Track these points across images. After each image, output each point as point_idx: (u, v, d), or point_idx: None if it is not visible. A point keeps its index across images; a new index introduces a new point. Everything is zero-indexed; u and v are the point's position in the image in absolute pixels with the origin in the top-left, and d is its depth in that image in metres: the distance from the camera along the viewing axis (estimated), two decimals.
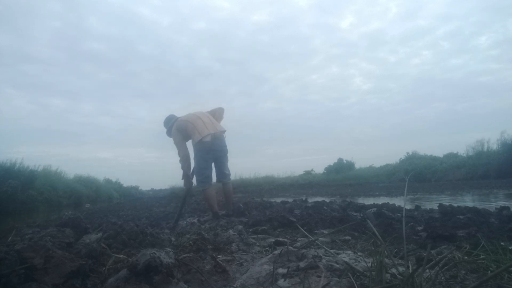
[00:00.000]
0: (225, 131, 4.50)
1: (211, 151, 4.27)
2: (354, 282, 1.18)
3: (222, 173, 4.46)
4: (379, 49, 50.56)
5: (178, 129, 4.42)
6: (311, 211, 4.18)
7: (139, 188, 31.59)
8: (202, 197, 5.26)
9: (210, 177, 4.38)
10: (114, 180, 25.08)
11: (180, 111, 4.77)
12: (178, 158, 4.43)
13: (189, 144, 4.50)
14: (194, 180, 4.48)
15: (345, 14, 50.50)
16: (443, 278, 1.22)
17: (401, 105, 47.17)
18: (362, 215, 3.77)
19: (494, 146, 18.54)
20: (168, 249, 1.52)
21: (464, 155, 20.29)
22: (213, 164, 4.44)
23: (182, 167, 4.42)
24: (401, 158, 24.13)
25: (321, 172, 26.88)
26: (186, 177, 4.43)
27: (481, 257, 1.42)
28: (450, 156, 21.54)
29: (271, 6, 52.66)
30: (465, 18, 43.08)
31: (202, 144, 4.20)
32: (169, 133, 4.68)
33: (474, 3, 43.20)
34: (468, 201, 5.99)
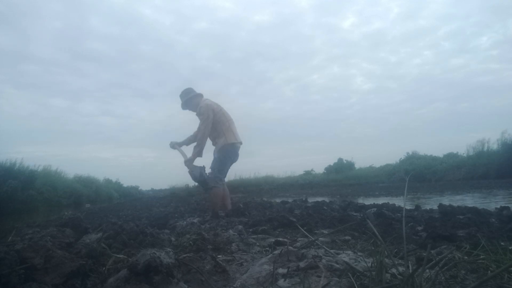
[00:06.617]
0: None
1: (237, 157, 4.50)
2: (354, 282, 1.18)
3: None
4: (380, 49, 50.74)
5: (214, 111, 4.34)
6: (311, 211, 4.17)
7: (139, 188, 31.68)
8: (204, 196, 5.26)
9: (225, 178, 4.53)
10: (114, 180, 25.21)
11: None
12: (199, 135, 4.33)
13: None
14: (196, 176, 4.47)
15: (347, 14, 50.69)
16: (443, 278, 1.22)
17: (401, 105, 47.32)
18: (362, 215, 3.76)
19: (495, 146, 18.50)
20: (168, 249, 1.52)
21: (464, 155, 20.26)
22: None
23: (199, 145, 4.33)
24: (401, 158, 24.12)
25: (321, 172, 26.78)
26: (196, 154, 4.35)
27: (481, 257, 1.42)
28: (450, 156, 21.51)
29: (272, 6, 52.84)
30: (466, 19, 43.25)
31: (235, 148, 4.43)
32: (184, 106, 4.60)
33: (475, 3, 43.39)
34: (468, 201, 5.98)
